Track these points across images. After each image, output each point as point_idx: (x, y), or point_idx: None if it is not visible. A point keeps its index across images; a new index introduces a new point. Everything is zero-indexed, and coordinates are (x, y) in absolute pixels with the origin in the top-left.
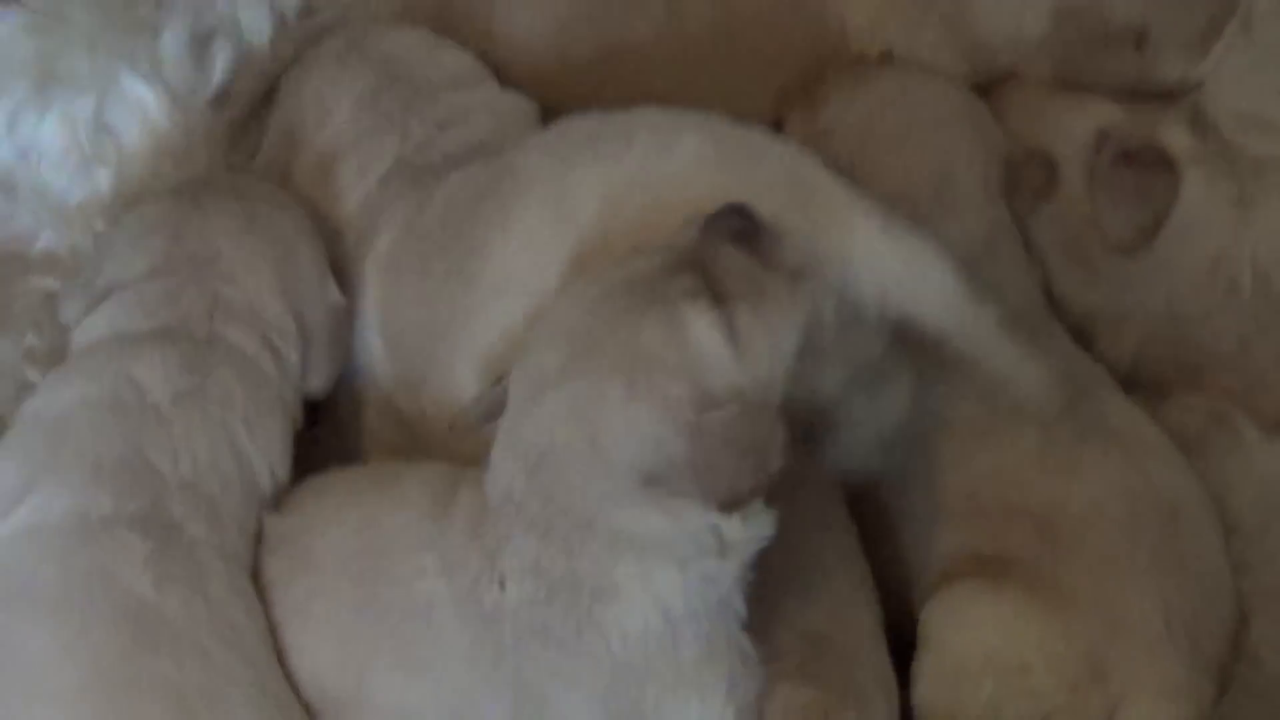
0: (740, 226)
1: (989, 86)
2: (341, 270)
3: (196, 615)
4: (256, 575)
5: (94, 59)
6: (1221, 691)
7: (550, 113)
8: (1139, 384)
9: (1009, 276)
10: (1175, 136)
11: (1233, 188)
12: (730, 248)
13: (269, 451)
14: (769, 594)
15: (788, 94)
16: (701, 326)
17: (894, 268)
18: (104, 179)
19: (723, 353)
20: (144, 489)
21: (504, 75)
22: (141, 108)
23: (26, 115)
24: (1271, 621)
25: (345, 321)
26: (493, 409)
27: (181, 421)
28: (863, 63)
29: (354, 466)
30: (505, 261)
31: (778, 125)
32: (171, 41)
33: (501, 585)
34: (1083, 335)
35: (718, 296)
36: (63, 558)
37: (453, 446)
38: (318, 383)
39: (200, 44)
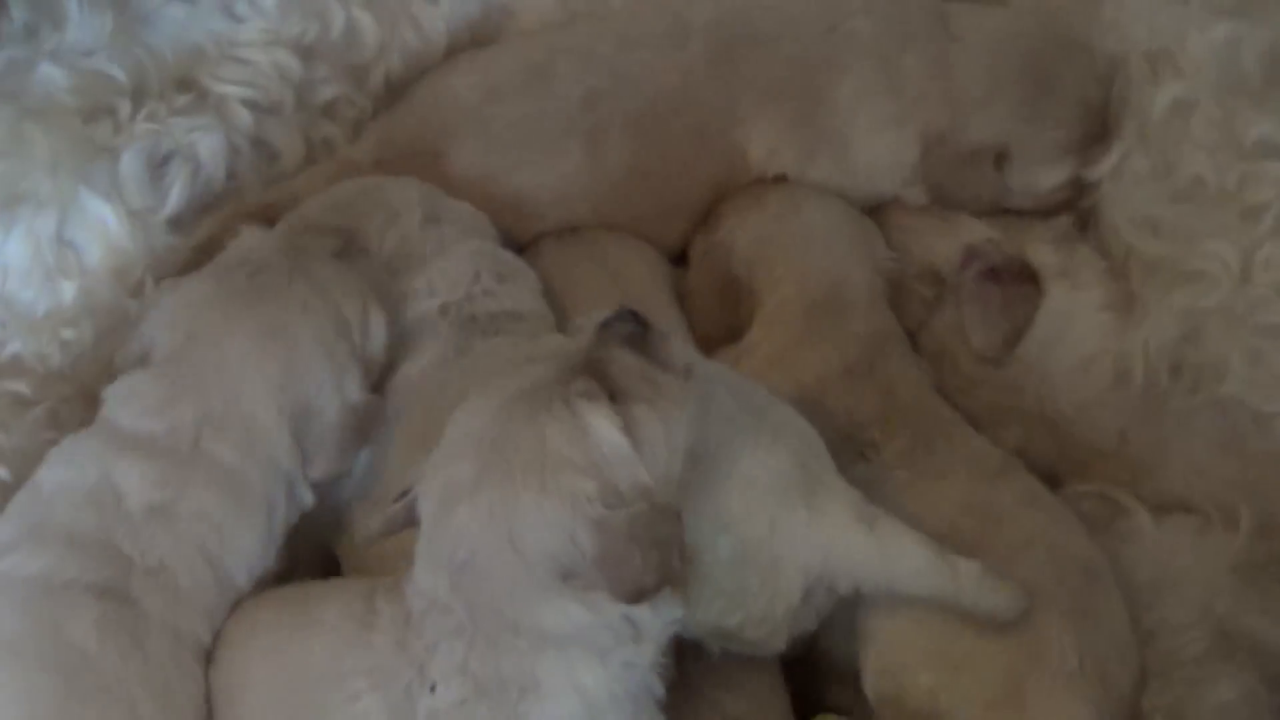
0: (631, 329)
1: (876, 207)
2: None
3: (131, 671)
4: None
5: (55, 179)
6: None
7: None
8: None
9: (900, 374)
10: (1041, 253)
11: (1103, 294)
12: (623, 350)
13: (247, 554)
14: (694, 681)
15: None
16: (603, 426)
17: (871, 563)
18: (68, 291)
19: (625, 450)
20: (109, 566)
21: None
22: (102, 225)
23: None
24: (1161, 689)
25: (367, 415)
26: (392, 525)
27: (150, 530)
28: (759, 182)
29: (278, 591)
30: None
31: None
32: (129, 164)
33: (432, 690)
34: None
35: (615, 397)
36: (23, 607)
37: None
38: (319, 475)
39: (157, 167)
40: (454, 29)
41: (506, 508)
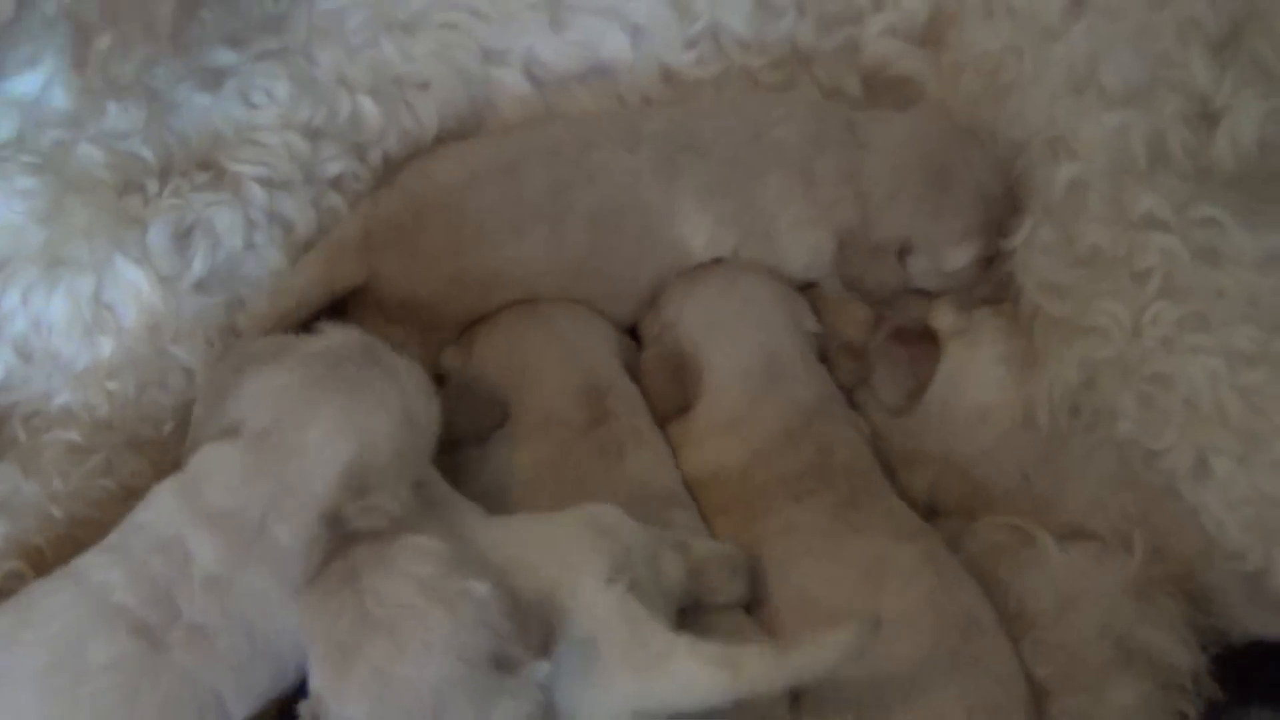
0: None
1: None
2: None
3: (107, 705)
4: None
5: (92, 246)
6: None
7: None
8: (941, 512)
9: (838, 434)
10: (943, 316)
11: (999, 350)
12: None
13: (292, 630)
14: None
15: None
16: None
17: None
18: (106, 346)
19: None
20: (159, 608)
21: (426, 284)
22: (134, 288)
23: (37, 293)
24: (1066, 695)
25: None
26: None
27: (205, 599)
28: (700, 265)
29: None
30: None
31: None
32: (156, 234)
33: None
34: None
35: None
36: (77, 606)
37: None
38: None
39: (181, 237)
40: (444, 115)
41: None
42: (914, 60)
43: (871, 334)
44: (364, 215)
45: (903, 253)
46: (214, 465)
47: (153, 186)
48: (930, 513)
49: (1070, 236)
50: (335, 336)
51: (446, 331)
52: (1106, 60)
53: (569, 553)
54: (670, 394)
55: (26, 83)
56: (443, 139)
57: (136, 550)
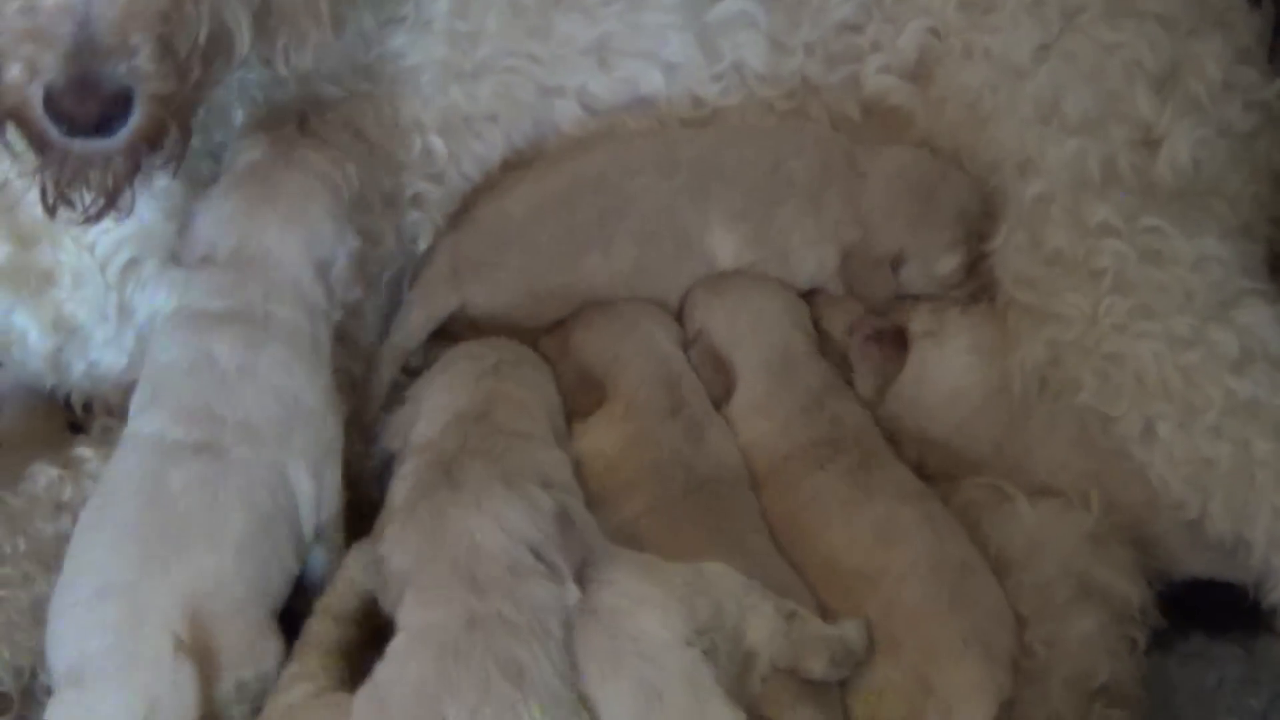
0: None
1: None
2: None
3: (199, 513)
4: None
5: None
6: (1016, 676)
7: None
8: (928, 478)
9: (847, 408)
10: (918, 321)
11: (967, 342)
12: None
13: (306, 378)
14: None
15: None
16: None
17: None
18: None
19: None
20: (207, 427)
21: (510, 304)
22: None
23: (159, 288)
24: (1038, 625)
25: (359, 253)
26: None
27: (241, 385)
28: (717, 275)
29: None
30: None
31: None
32: None
33: None
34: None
35: None
36: (142, 458)
37: None
38: (351, 297)
39: None
40: (510, 141)
41: None
42: (905, 94)
43: (850, 337)
44: (449, 252)
45: (897, 263)
46: (206, 285)
47: None
48: (920, 478)
49: (1038, 241)
50: (251, 153)
51: (536, 335)
52: (1067, 95)
53: (663, 596)
54: (715, 383)
55: (159, 157)
56: (509, 160)
57: (168, 390)
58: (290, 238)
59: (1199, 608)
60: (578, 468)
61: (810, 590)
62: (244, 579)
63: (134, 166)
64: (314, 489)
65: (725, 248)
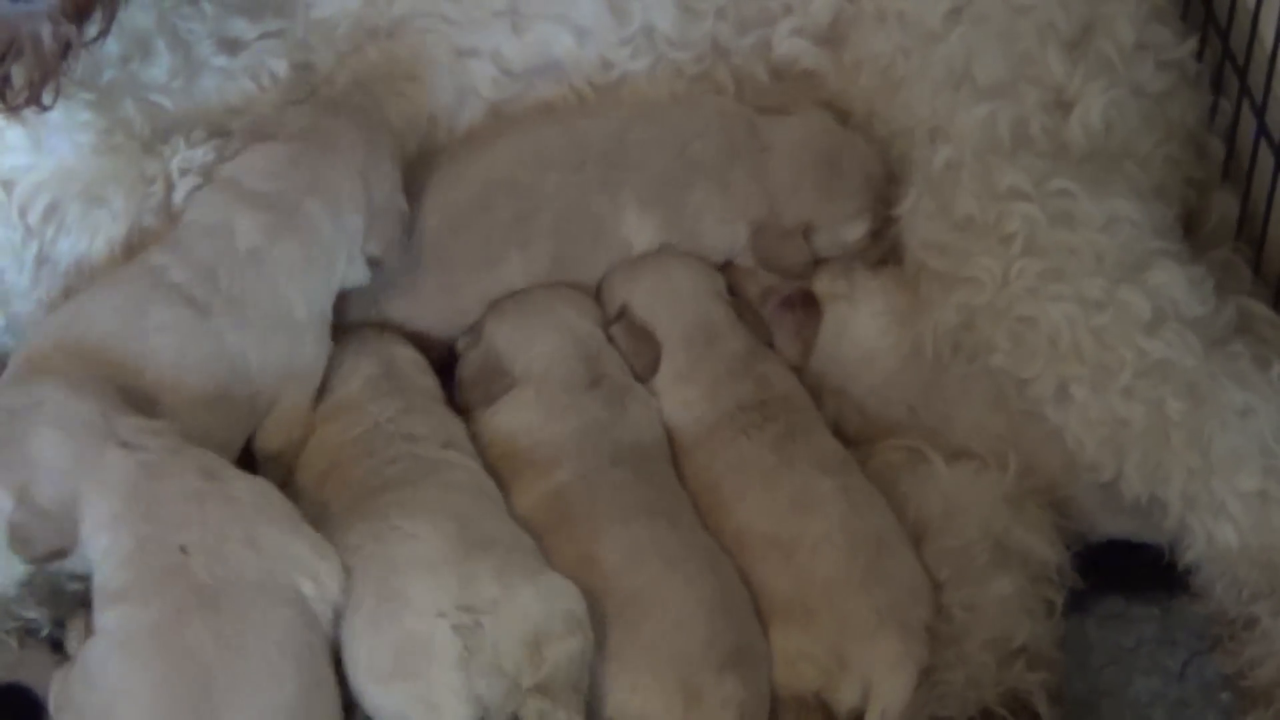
0: None
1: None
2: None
3: (164, 357)
4: None
5: (124, 195)
6: (933, 645)
7: None
8: (847, 441)
9: (773, 369)
10: (826, 283)
11: (878, 304)
12: None
13: (308, 292)
14: None
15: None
16: None
17: None
18: None
19: None
20: (204, 284)
21: (429, 318)
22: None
23: (81, 236)
24: (955, 588)
25: (405, 223)
26: None
27: (245, 268)
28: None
29: None
30: None
31: None
32: (180, 194)
33: None
34: None
35: None
36: (139, 281)
37: None
38: (372, 251)
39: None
40: (433, 102)
41: None
42: (818, 58)
43: (762, 305)
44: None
45: (807, 233)
46: (257, 159)
47: (168, 149)
48: (839, 439)
49: (947, 206)
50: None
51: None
52: (978, 59)
53: (441, 563)
54: (641, 356)
55: (92, 26)
56: (435, 118)
57: (187, 240)
58: (358, 153)
59: (1116, 569)
60: (487, 446)
61: (730, 558)
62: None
63: (63, 45)
64: (271, 400)
65: (641, 235)
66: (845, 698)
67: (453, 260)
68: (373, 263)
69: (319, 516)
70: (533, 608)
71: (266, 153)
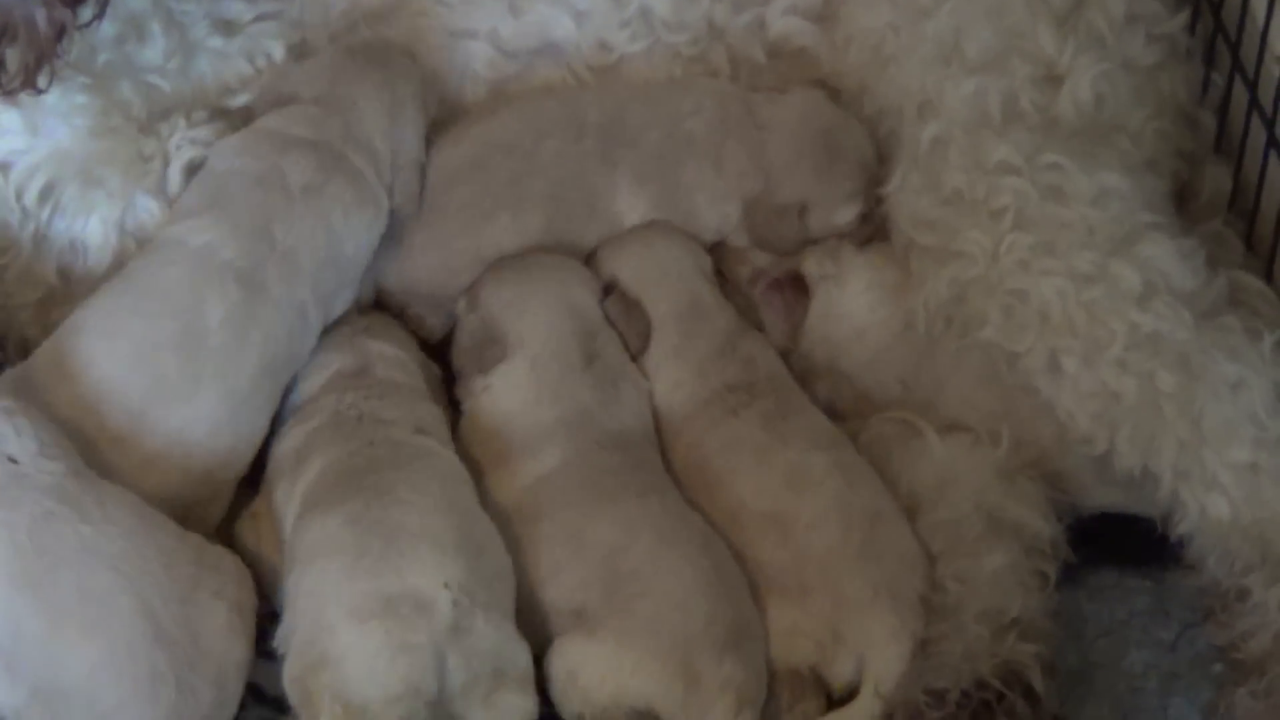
0: None
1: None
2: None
3: (225, 350)
4: None
5: (122, 176)
6: (927, 617)
7: None
8: (840, 416)
9: (758, 349)
10: (813, 265)
11: (866, 281)
12: None
13: (357, 232)
14: None
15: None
16: None
17: None
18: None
19: None
20: (256, 249)
21: (406, 268)
22: (155, 220)
23: (77, 216)
24: (949, 561)
25: (419, 173)
26: None
27: (300, 208)
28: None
29: None
30: None
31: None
32: (175, 171)
33: None
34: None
35: None
36: (184, 271)
37: None
38: (397, 201)
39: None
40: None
41: None
42: (811, 35)
43: (751, 287)
44: None
45: (801, 212)
46: (290, 114)
47: (165, 128)
48: (832, 416)
49: (936, 182)
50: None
51: (451, 303)
52: (968, 34)
53: (446, 540)
54: (633, 330)
55: (86, 9)
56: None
57: (229, 198)
58: (380, 101)
59: (1108, 542)
60: (479, 425)
61: (723, 538)
62: (235, 430)
63: (58, 29)
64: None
65: (634, 210)
66: (840, 671)
67: (444, 215)
68: (391, 213)
69: (304, 491)
70: (508, 638)
71: (297, 110)
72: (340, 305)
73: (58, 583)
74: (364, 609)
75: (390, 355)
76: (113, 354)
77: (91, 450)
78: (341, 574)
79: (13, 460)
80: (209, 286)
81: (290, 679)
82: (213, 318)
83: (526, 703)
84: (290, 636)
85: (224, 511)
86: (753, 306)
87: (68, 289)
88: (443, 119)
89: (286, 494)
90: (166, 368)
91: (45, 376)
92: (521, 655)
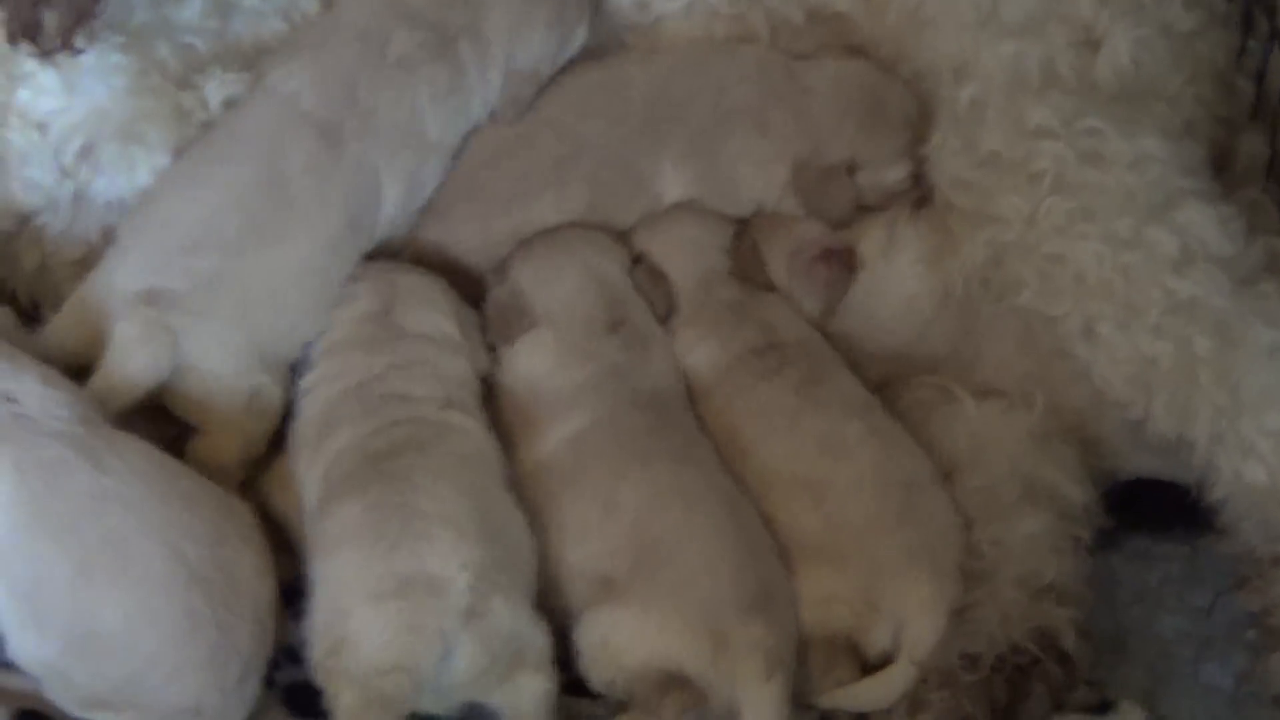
0: None
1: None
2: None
3: (305, 200)
4: None
5: (160, 131)
6: (964, 582)
7: None
8: (877, 385)
9: (775, 314)
10: (870, 240)
11: (915, 252)
12: None
13: (442, 117)
14: None
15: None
16: None
17: None
18: None
19: None
20: (340, 104)
21: (464, 248)
22: None
23: (119, 173)
24: (984, 526)
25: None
26: None
27: (391, 78)
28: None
29: None
30: None
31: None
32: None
33: None
34: None
35: None
36: (269, 115)
37: None
38: (500, 105)
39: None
40: None
41: None
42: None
43: (794, 260)
44: None
45: (850, 172)
46: None
47: (202, 79)
48: (876, 389)
49: (973, 144)
50: None
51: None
52: None
53: (467, 525)
54: (659, 298)
55: None
56: None
57: (324, 51)
58: (509, 14)
59: (1143, 507)
60: (509, 388)
61: (753, 501)
62: (323, 280)
63: None
64: (393, 216)
65: (675, 188)
66: (876, 639)
67: (488, 190)
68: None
69: (325, 471)
70: (526, 620)
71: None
72: (419, 193)
73: (80, 529)
74: (379, 590)
75: (415, 286)
76: (203, 200)
77: (181, 299)
78: (359, 558)
79: (11, 400)
80: (289, 134)
81: (315, 663)
82: (294, 165)
83: (545, 683)
84: (314, 622)
85: (286, 396)
86: (762, 272)
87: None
88: None
89: (309, 464)
90: (256, 210)
91: (140, 219)
92: (539, 637)
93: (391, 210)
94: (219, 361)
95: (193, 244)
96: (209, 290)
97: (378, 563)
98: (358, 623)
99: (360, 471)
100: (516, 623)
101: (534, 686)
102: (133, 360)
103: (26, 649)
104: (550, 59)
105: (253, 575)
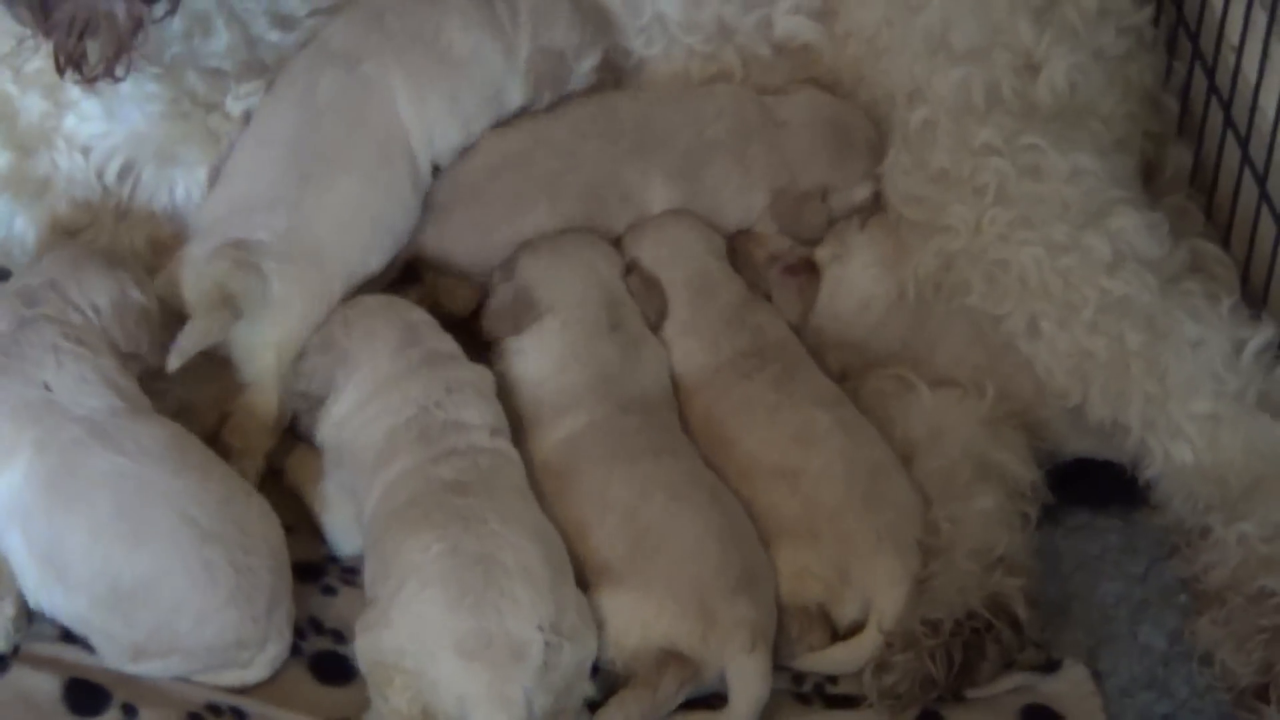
0: None
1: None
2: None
3: (335, 120)
4: None
5: (196, 150)
6: (924, 556)
7: None
8: (847, 377)
9: (766, 318)
10: (824, 251)
11: (868, 257)
12: None
13: (470, 42)
14: None
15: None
16: None
17: None
18: None
19: None
20: (365, 35)
21: (463, 253)
22: None
23: (160, 189)
24: (941, 505)
25: (565, 65)
26: None
27: (421, 5)
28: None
29: None
30: None
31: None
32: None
33: None
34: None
35: None
36: (307, 60)
37: None
38: (534, 95)
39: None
40: None
41: None
42: (813, 32)
43: (766, 270)
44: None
45: (823, 196)
46: None
47: (226, 98)
48: (840, 378)
49: (924, 162)
50: None
51: (484, 278)
52: (955, 27)
53: (545, 580)
54: (651, 304)
55: (159, 6)
56: None
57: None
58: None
59: (1083, 485)
60: (510, 389)
61: (736, 487)
62: (368, 215)
63: (135, 22)
64: (429, 138)
65: (663, 202)
66: (847, 610)
67: (487, 200)
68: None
69: (386, 490)
70: (588, 652)
71: None
72: (459, 115)
73: (93, 501)
74: (466, 646)
75: (420, 318)
76: (269, 160)
77: (266, 246)
78: (444, 602)
79: (47, 388)
80: (318, 73)
81: (369, 657)
82: (323, 99)
83: (586, 688)
84: (384, 634)
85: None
86: (764, 284)
87: (156, 259)
88: None
89: (367, 484)
90: (305, 160)
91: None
92: (592, 654)
93: (424, 130)
94: (301, 300)
95: (266, 203)
96: (286, 238)
97: (465, 616)
98: (444, 670)
99: (429, 499)
100: (578, 661)
101: (577, 691)
102: (228, 291)
103: (56, 604)
104: (574, 49)
105: (264, 520)
